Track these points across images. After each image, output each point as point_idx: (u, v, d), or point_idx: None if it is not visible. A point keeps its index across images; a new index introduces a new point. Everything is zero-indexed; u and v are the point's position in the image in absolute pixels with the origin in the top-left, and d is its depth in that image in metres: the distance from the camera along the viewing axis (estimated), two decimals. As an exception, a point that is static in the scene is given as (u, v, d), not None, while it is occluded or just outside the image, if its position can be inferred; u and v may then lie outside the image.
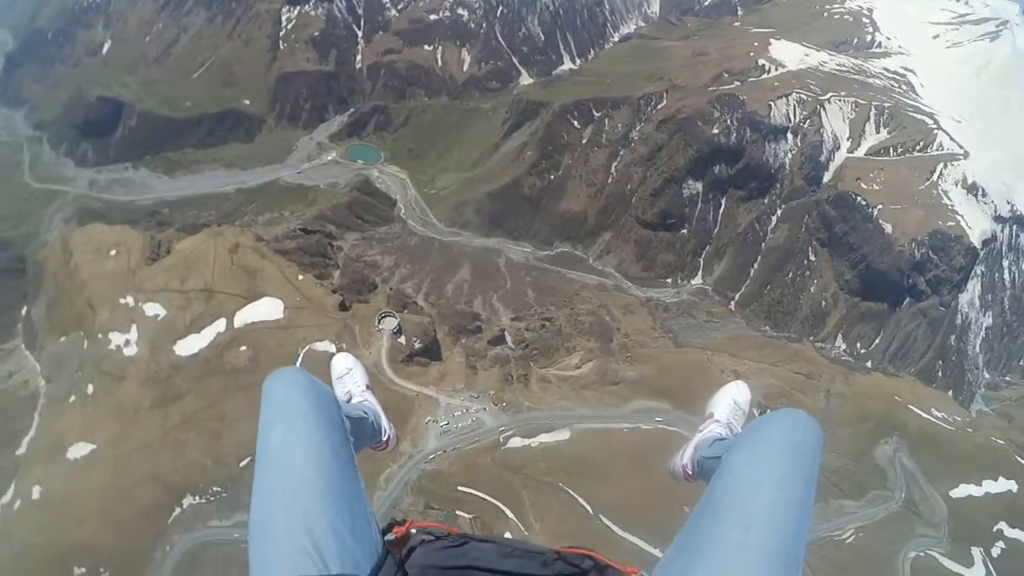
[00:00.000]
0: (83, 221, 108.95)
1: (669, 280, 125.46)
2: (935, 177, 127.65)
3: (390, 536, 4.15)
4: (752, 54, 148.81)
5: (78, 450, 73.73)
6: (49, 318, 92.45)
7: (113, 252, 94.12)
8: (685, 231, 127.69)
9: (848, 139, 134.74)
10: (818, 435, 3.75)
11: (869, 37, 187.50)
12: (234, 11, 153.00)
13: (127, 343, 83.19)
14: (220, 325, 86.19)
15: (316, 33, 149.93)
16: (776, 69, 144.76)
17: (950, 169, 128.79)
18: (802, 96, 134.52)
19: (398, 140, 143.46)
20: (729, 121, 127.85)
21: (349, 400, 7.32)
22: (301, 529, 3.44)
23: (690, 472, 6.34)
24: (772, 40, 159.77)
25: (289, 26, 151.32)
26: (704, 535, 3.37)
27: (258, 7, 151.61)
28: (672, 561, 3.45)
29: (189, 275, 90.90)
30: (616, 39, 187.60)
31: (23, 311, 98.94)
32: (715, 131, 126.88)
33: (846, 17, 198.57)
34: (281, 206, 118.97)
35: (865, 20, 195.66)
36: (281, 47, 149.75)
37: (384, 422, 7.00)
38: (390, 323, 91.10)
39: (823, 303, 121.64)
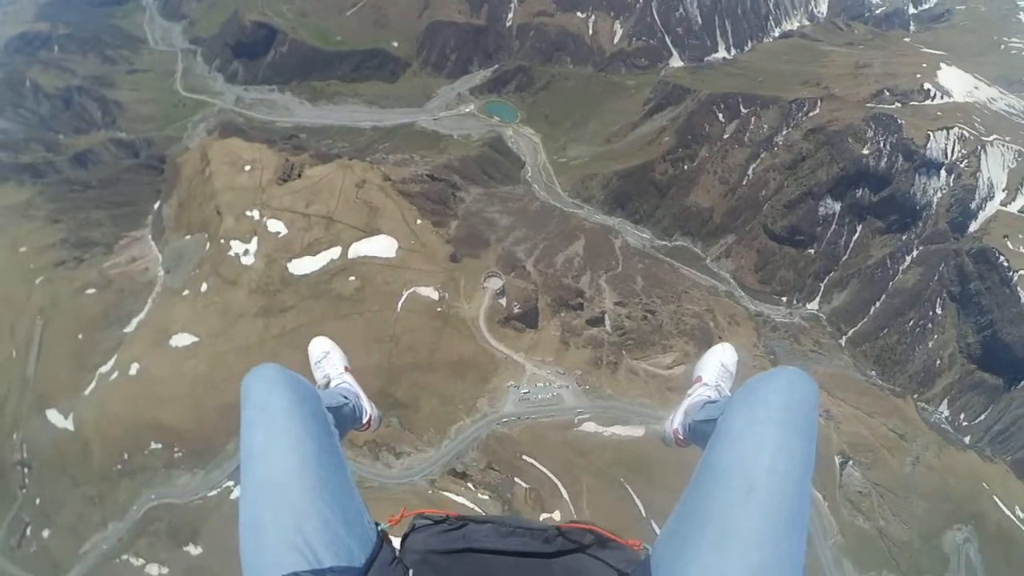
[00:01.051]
0: (224, 134, 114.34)
1: (784, 299, 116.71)
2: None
3: (384, 525, 4.11)
4: (919, 76, 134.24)
5: (181, 339, 78.31)
6: (178, 216, 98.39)
7: (247, 167, 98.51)
8: (812, 251, 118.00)
9: (1004, 190, 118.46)
10: (815, 393, 3.62)
11: None
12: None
13: (246, 252, 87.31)
14: (335, 252, 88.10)
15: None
16: (941, 97, 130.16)
17: None
18: (964, 133, 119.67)
19: (537, 103, 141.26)
20: (882, 144, 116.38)
21: (328, 384, 7.39)
22: (290, 527, 3.43)
23: (681, 437, 6.47)
24: (942, 64, 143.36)
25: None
26: (705, 501, 3.27)
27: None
28: (674, 532, 3.34)
29: (314, 200, 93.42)
30: (776, 34, 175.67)
31: (155, 205, 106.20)
32: (865, 151, 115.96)
33: None
34: (413, 149, 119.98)
35: None
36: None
37: (364, 403, 6.95)
38: (495, 283, 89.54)
39: (938, 362, 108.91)
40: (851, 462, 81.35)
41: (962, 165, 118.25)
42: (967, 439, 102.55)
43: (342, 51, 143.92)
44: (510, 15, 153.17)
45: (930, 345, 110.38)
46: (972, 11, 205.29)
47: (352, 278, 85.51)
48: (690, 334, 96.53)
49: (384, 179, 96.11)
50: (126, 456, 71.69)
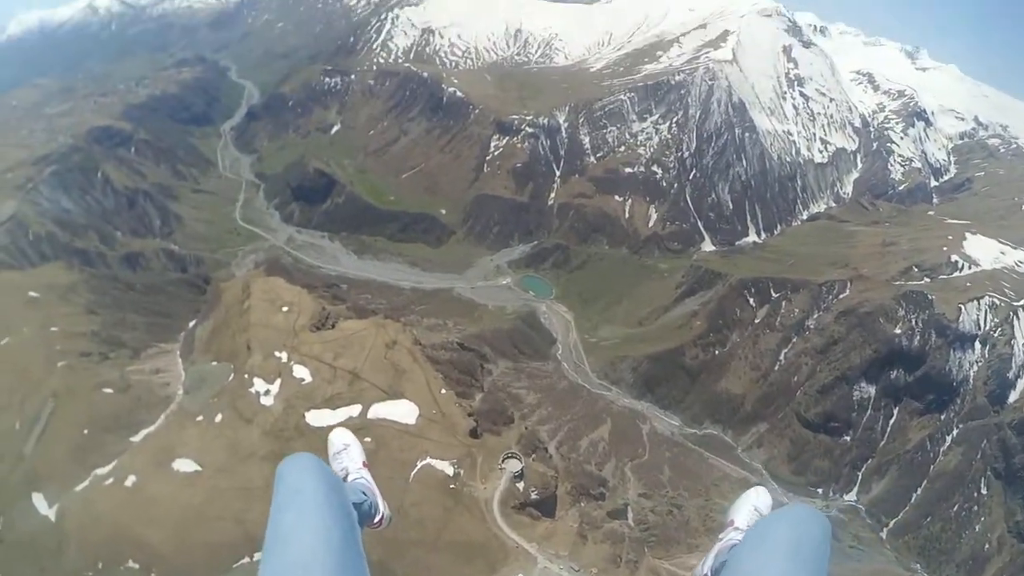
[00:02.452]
0: (270, 271, 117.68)
1: (820, 490, 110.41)
2: None
3: None
4: (945, 248, 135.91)
5: (184, 464, 74.62)
6: (209, 340, 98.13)
7: (285, 308, 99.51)
8: (848, 438, 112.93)
9: None
10: (824, 528, 3.89)
11: None
12: (451, 128, 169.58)
13: (267, 392, 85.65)
14: (355, 410, 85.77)
15: (518, 164, 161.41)
16: (969, 267, 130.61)
17: None
18: (995, 301, 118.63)
19: (572, 281, 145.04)
20: (914, 321, 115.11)
21: (346, 477, 7.37)
22: None
23: None
24: (967, 234, 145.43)
25: (496, 152, 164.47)
26: None
27: (472, 129, 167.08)
28: None
29: (343, 354, 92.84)
30: (804, 217, 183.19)
31: (191, 324, 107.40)
32: (897, 331, 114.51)
33: None
34: (447, 315, 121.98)
35: None
36: (485, 170, 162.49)
37: (379, 500, 7.02)
38: (514, 465, 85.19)
39: (986, 546, 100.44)
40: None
41: (996, 334, 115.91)
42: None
43: (393, 210, 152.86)
44: (552, 194, 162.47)
45: (977, 529, 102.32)
46: (991, 176, 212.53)
47: (368, 439, 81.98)
48: (719, 533, 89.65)
49: (415, 343, 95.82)
50: (100, 565, 66.32)
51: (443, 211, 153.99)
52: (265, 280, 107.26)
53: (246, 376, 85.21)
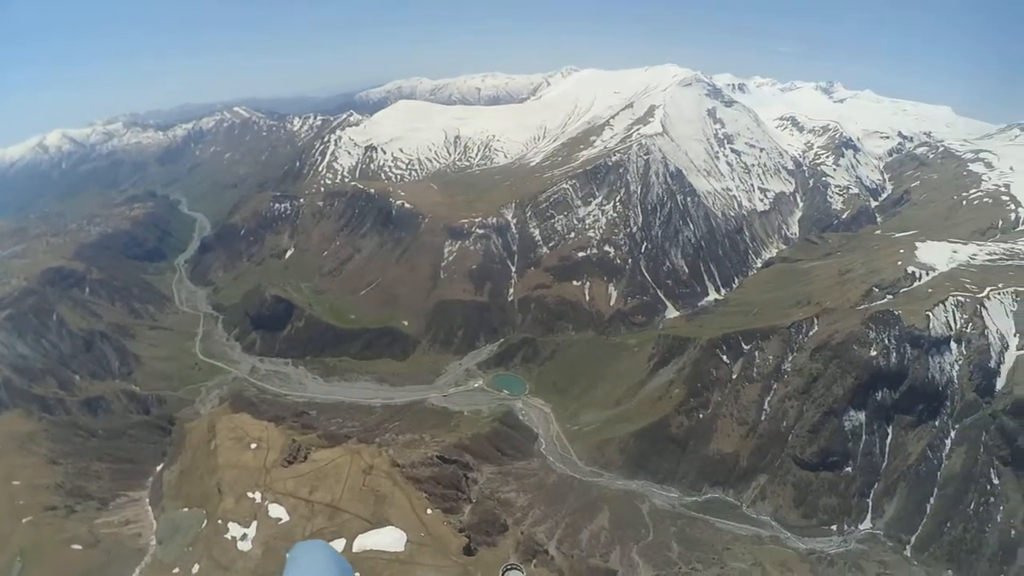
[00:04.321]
0: (235, 404, 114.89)
1: (834, 527, 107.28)
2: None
3: None
4: (900, 263, 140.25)
5: None
6: (178, 485, 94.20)
7: (253, 445, 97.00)
8: (849, 469, 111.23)
9: (1016, 335, 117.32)
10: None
11: (1013, 215, 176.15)
12: (403, 239, 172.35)
13: (244, 537, 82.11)
14: (339, 545, 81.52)
15: (474, 266, 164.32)
16: (927, 273, 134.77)
17: None
18: (959, 299, 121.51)
19: (544, 372, 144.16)
20: (887, 340, 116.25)
21: None
22: None
23: None
24: (917, 244, 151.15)
25: (450, 258, 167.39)
26: None
27: (424, 239, 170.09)
28: None
29: (319, 486, 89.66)
30: (759, 265, 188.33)
31: (158, 468, 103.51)
32: (873, 353, 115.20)
33: (985, 200, 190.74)
34: (423, 428, 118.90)
35: (1005, 198, 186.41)
36: (441, 276, 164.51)
37: None
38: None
39: (1012, 532, 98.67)
40: None
41: (968, 330, 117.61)
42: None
43: (355, 329, 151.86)
44: (511, 290, 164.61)
45: (999, 519, 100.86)
46: (926, 183, 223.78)
47: (357, 575, 78.12)
48: None
49: (392, 465, 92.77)
50: None
51: (405, 322, 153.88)
52: (230, 417, 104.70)
53: (220, 521, 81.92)
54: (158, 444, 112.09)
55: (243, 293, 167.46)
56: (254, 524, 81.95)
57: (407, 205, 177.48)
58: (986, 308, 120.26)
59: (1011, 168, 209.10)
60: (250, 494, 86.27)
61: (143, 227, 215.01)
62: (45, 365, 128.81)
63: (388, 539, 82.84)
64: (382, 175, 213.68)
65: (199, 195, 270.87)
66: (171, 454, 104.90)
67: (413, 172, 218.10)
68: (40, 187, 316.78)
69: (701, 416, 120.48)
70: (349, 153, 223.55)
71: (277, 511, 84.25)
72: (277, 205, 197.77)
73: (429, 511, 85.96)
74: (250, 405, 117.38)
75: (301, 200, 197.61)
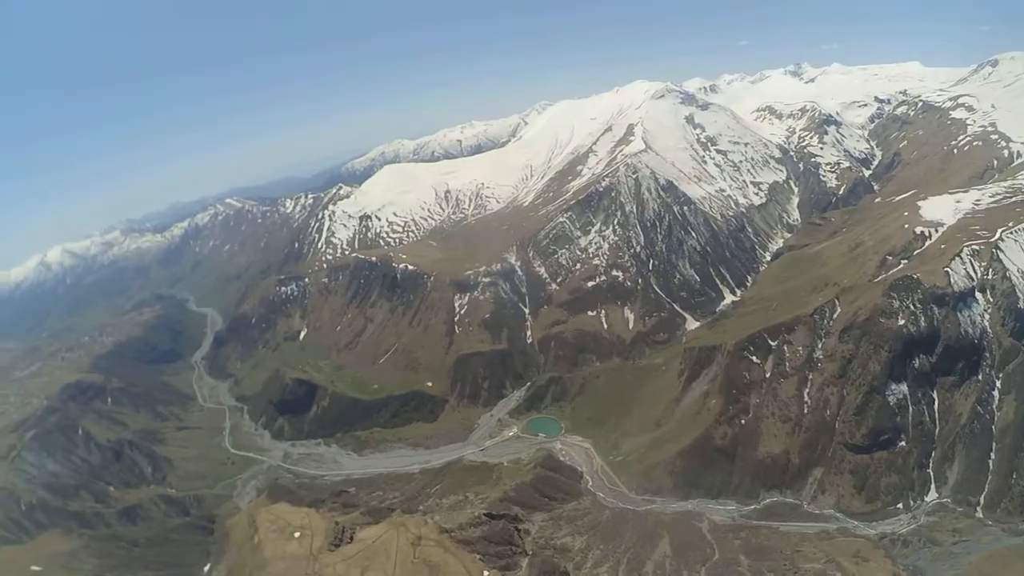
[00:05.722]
0: (273, 494, 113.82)
1: (900, 505, 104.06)
2: None
3: None
4: (906, 225, 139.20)
5: None
6: None
7: (297, 534, 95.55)
8: (903, 443, 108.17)
9: None
10: None
11: (1006, 152, 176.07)
12: (413, 302, 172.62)
13: None
14: (398, 623, 79.25)
15: (487, 315, 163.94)
16: (936, 230, 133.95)
17: None
18: (974, 247, 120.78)
19: (576, 408, 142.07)
20: (912, 305, 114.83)
21: None
22: None
23: None
24: (919, 202, 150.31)
25: (462, 311, 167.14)
26: None
27: (433, 297, 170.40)
28: None
29: (370, 566, 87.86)
30: (768, 258, 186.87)
31: (205, 569, 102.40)
32: (901, 322, 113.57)
33: (975, 144, 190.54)
34: (465, 487, 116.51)
35: (995, 137, 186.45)
36: (457, 331, 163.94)
37: None
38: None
39: None
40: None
41: (989, 276, 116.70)
42: None
43: (380, 398, 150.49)
44: (528, 332, 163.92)
45: None
46: (914, 140, 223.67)
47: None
48: None
49: (440, 531, 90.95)
50: None
51: (429, 383, 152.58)
52: (269, 509, 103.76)
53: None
54: (202, 545, 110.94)
55: (264, 381, 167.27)
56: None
57: (410, 267, 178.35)
58: (1002, 250, 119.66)
59: (993, 106, 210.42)
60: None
61: (155, 330, 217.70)
62: (78, 481, 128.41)
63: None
64: (380, 242, 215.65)
65: (205, 290, 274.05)
66: (216, 553, 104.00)
67: (410, 233, 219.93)
68: (48, 305, 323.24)
69: (743, 422, 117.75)
70: (345, 226, 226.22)
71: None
72: (283, 288, 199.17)
73: (486, 573, 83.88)
74: (288, 492, 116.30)
75: (306, 280, 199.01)
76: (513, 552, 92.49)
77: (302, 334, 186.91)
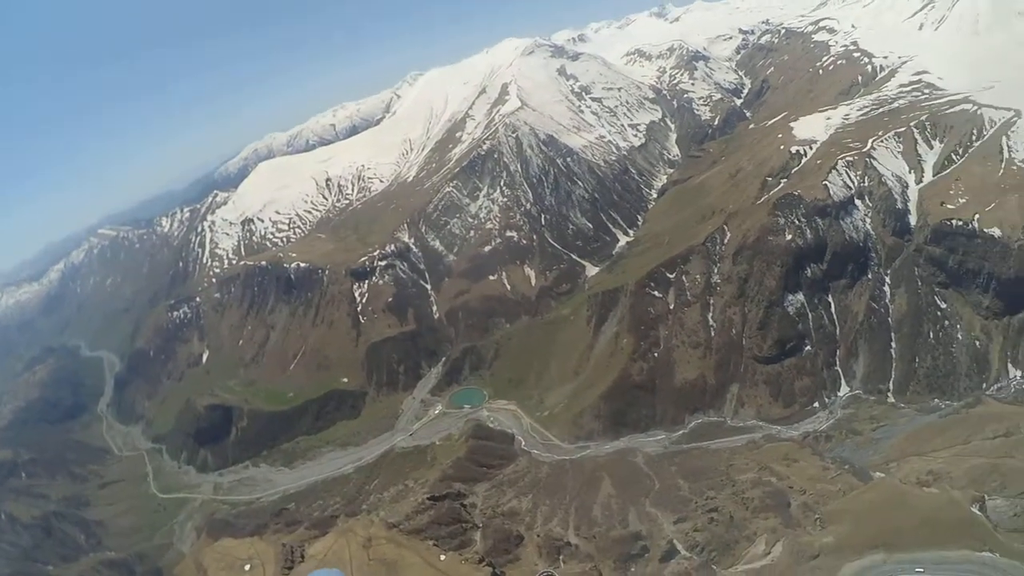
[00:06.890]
0: (213, 530, 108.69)
1: (816, 404, 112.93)
2: (1007, 153, 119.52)
3: None
4: (782, 147, 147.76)
5: None
6: None
7: (247, 567, 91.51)
8: (809, 347, 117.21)
9: (910, 171, 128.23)
10: None
11: (869, 67, 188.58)
12: (312, 300, 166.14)
13: None
14: (374, 624, 78.08)
15: (390, 299, 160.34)
16: (811, 148, 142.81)
17: (1015, 137, 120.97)
18: (848, 159, 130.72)
19: (496, 374, 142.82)
20: (796, 220, 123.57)
21: None
22: None
23: None
24: (791, 124, 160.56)
25: (364, 300, 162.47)
26: None
27: (331, 290, 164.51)
28: None
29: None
30: (654, 196, 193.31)
31: None
32: (788, 237, 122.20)
33: (839, 62, 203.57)
34: (403, 475, 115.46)
35: (857, 55, 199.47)
36: (362, 321, 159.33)
37: None
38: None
39: (977, 343, 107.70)
40: (985, 497, 71.87)
41: (866, 183, 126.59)
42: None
43: (298, 406, 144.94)
44: (434, 308, 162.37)
45: (960, 338, 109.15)
46: (780, 66, 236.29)
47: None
48: (763, 507, 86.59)
49: (388, 527, 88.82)
50: None
51: (344, 380, 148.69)
52: (213, 548, 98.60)
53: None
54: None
55: (176, 415, 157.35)
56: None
57: (303, 264, 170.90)
58: (875, 159, 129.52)
59: (853, 26, 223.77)
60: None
61: (53, 387, 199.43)
62: (12, 568, 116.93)
63: (416, 602, 79.89)
64: (267, 244, 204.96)
65: (95, 332, 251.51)
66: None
67: (297, 230, 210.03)
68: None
69: (656, 355, 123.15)
70: (227, 234, 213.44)
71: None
72: (175, 313, 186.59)
73: (443, 556, 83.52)
74: (227, 525, 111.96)
75: (197, 299, 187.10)
76: (464, 529, 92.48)
77: (204, 357, 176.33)
